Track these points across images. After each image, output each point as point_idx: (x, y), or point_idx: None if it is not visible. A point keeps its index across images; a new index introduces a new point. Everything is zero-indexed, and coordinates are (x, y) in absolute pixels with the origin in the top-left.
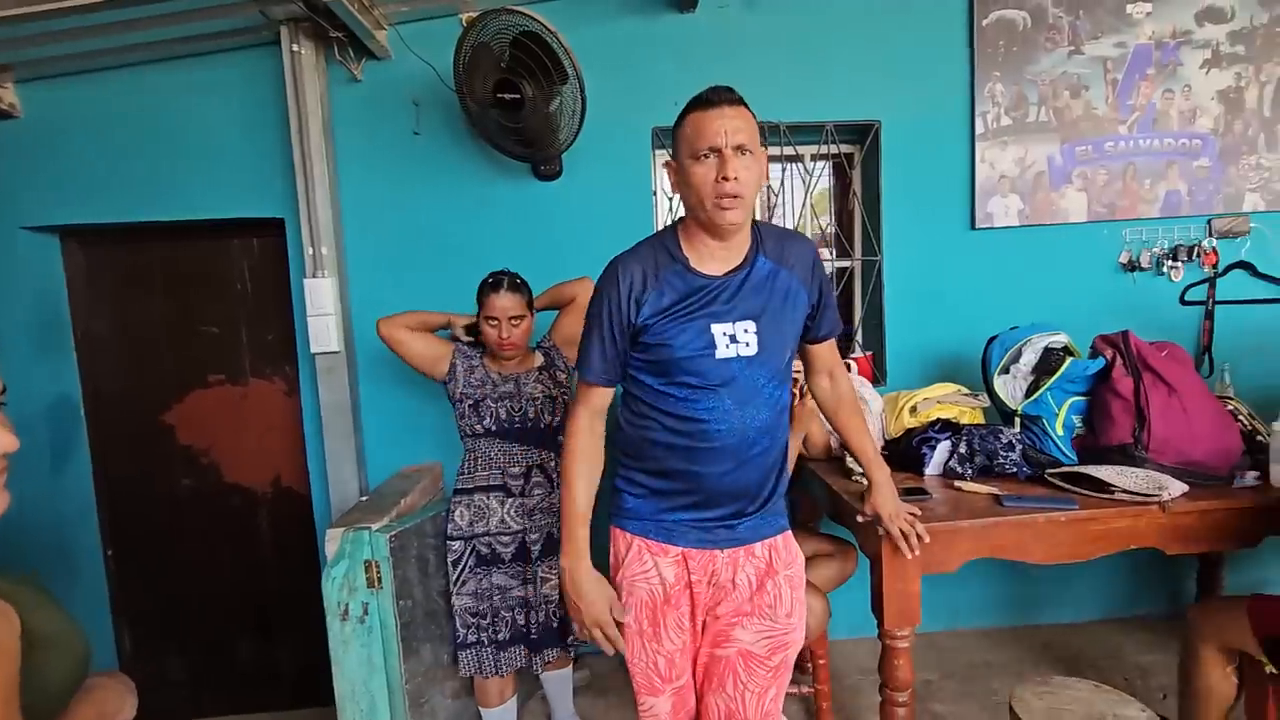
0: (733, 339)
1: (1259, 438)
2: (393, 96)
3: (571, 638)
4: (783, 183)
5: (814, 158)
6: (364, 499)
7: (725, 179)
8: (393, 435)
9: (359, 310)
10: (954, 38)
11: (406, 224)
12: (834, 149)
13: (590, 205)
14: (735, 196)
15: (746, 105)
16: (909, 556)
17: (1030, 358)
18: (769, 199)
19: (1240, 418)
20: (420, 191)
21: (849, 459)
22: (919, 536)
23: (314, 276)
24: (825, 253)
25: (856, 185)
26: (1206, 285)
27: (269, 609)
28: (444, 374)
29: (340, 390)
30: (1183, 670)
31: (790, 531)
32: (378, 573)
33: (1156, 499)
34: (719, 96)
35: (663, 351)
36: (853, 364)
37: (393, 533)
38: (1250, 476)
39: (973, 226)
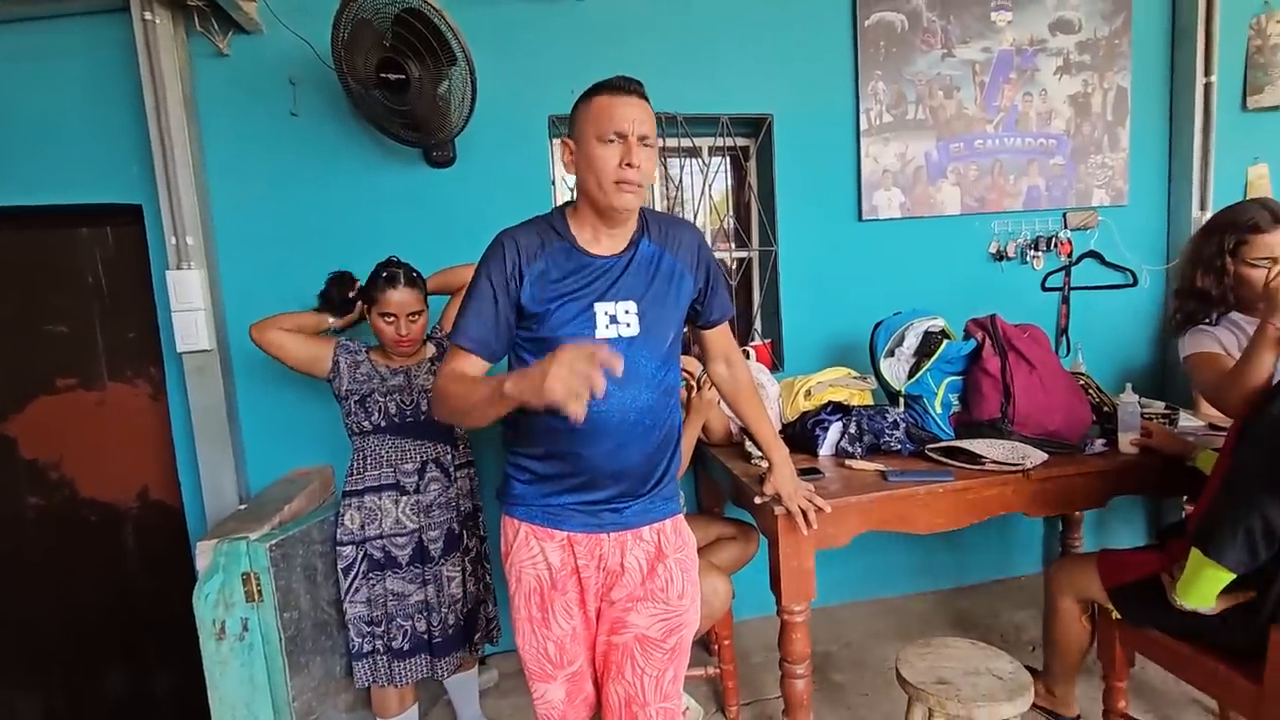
0: (614, 319)
1: (1105, 409)
2: (266, 74)
3: (479, 635)
4: (681, 176)
5: (711, 150)
6: (242, 507)
7: (630, 165)
8: (277, 437)
9: (233, 304)
10: (839, 36)
11: (286, 211)
12: (730, 142)
13: (486, 193)
14: (637, 184)
15: (649, 101)
16: (805, 532)
17: (912, 341)
18: (668, 190)
19: (1090, 391)
20: (301, 177)
21: (748, 443)
22: (818, 509)
23: (178, 268)
24: (725, 244)
25: (752, 178)
26: (1063, 273)
27: (141, 634)
28: (327, 372)
29: (213, 391)
30: (1045, 622)
31: (681, 515)
32: (257, 585)
33: (1020, 467)
34: (631, 86)
35: (543, 329)
36: (751, 351)
37: (273, 541)
38: (1099, 444)
39: (860, 218)
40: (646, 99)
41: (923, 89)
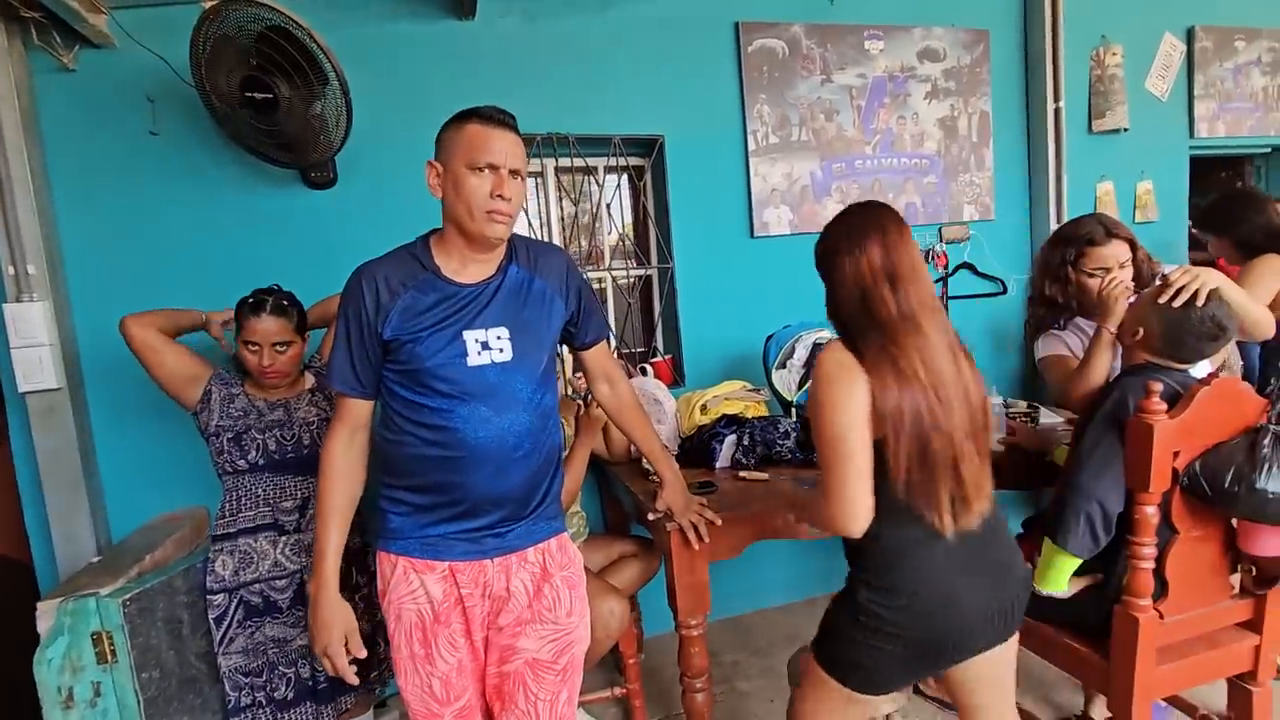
0: (485, 345)
1: None
2: (121, 91)
3: (375, 674)
4: (578, 195)
5: (607, 170)
6: (95, 560)
7: (502, 197)
8: (143, 480)
9: (87, 338)
10: (724, 61)
11: (149, 237)
12: (623, 161)
13: (369, 215)
14: (507, 215)
15: (519, 133)
16: (696, 547)
17: (802, 353)
18: (563, 209)
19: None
20: (164, 200)
21: (644, 460)
22: (709, 521)
23: (18, 301)
24: (621, 262)
25: (646, 197)
26: (941, 284)
27: None
28: (195, 402)
29: (63, 434)
30: None
31: (566, 534)
32: (110, 645)
33: None
34: (504, 118)
35: (413, 360)
36: (649, 368)
37: (128, 595)
38: None
39: (752, 235)
40: (519, 133)
41: (805, 112)
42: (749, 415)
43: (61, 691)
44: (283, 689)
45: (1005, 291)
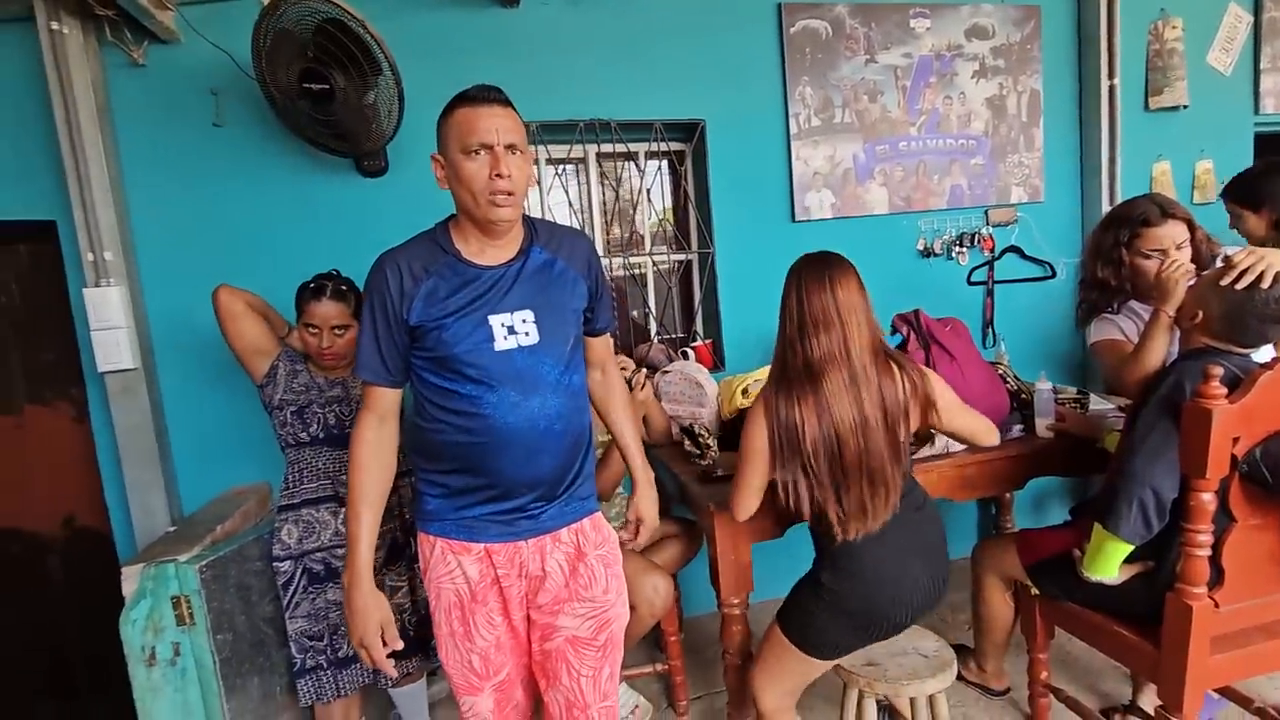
0: (511, 330)
1: (1023, 396)
2: (186, 84)
3: (432, 643)
4: (619, 181)
5: (648, 155)
6: (171, 530)
7: (500, 176)
8: (211, 456)
9: (159, 321)
10: (766, 43)
11: (213, 224)
12: (665, 146)
13: (419, 201)
14: (509, 194)
15: (514, 107)
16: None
17: None
18: (604, 195)
19: (1008, 380)
20: (227, 189)
21: (688, 443)
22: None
23: (97, 285)
24: (663, 247)
25: (687, 182)
26: (987, 268)
27: (71, 665)
28: (262, 374)
29: (139, 411)
30: (973, 601)
31: (599, 513)
32: (188, 608)
33: (946, 454)
34: (489, 95)
35: (440, 347)
36: (691, 352)
37: (204, 562)
38: (1016, 430)
39: (793, 219)
40: (510, 105)
41: (848, 93)
42: None
43: (145, 650)
44: (344, 649)
45: (1054, 275)
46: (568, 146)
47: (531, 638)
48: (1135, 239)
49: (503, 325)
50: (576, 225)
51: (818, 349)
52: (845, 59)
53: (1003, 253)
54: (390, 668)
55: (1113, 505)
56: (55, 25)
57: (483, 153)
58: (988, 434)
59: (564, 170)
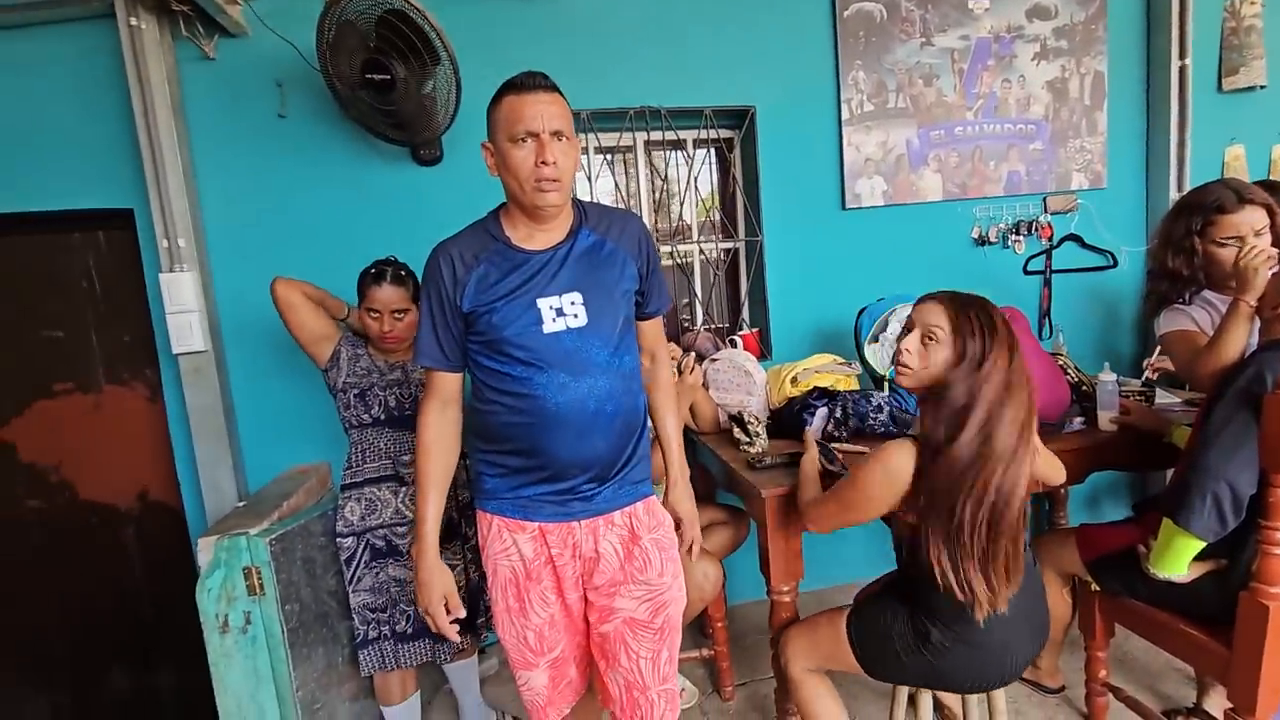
0: (559, 312)
1: (1084, 388)
2: (253, 76)
3: (481, 620)
4: (666, 170)
5: (696, 143)
6: (241, 504)
7: (545, 163)
8: (274, 436)
9: (226, 305)
10: (819, 27)
11: (276, 212)
12: (714, 134)
13: (472, 189)
14: (555, 180)
15: (561, 93)
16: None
17: (896, 326)
18: (654, 183)
19: (1069, 371)
20: (290, 178)
21: (736, 430)
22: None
23: (171, 271)
24: (712, 235)
25: (736, 169)
26: (1044, 256)
27: (145, 632)
28: (325, 359)
29: (209, 392)
30: None
31: (654, 497)
32: (259, 579)
33: None
34: (535, 81)
35: (491, 330)
36: (739, 340)
37: (274, 535)
38: (1077, 422)
39: (844, 206)
40: (557, 90)
41: (903, 77)
42: (839, 388)
43: (218, 618)
44: (403, 624)
45: (1115, 265)
46: (617, 134)
47: (589, 619)
48: (1209, 226)
49: (551, 308)
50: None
51: (1006, 419)
52: (900, 42)
53: (1061, 241)
54: (454, 633)
55: (1185, 500)
56: (134, 21)
57: (529, 140)
58: (1061, 471)
59: (611, 158)
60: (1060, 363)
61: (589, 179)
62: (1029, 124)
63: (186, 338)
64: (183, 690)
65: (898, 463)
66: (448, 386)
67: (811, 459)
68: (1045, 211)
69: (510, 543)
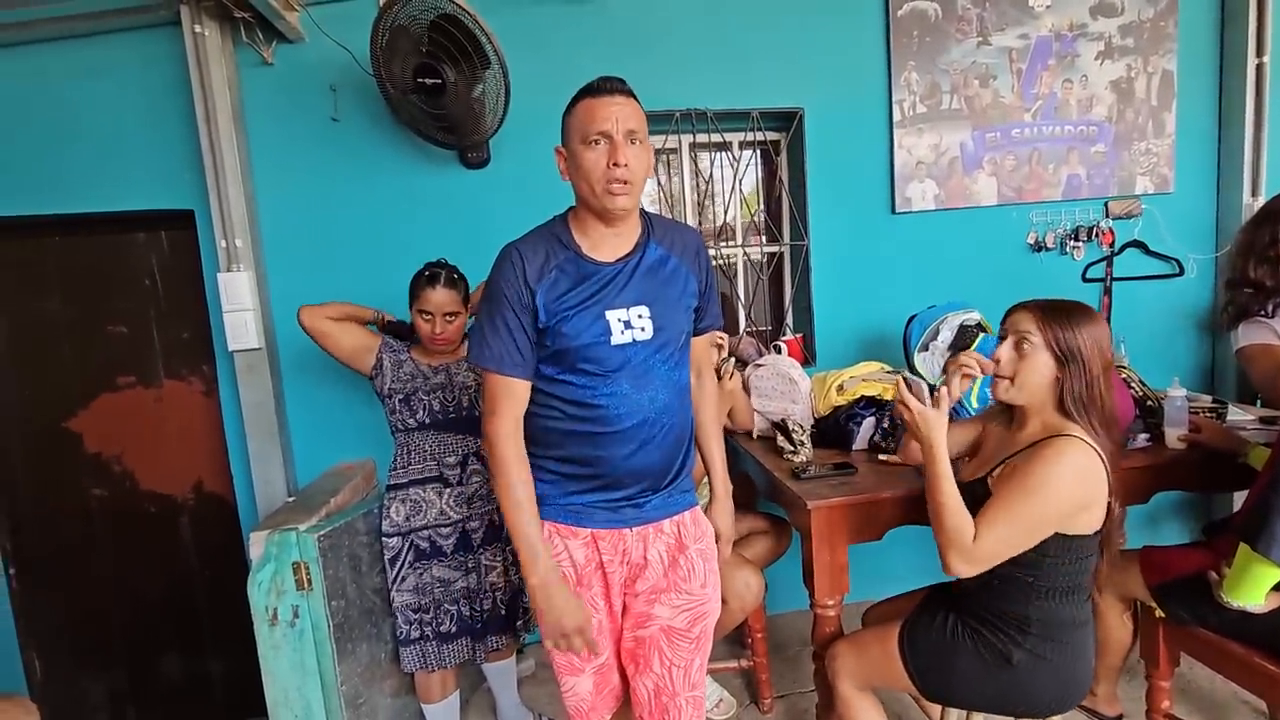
0: (627, 324)
1: (1149, 403)
2: (308, 81)
3: (521, 622)
4: (711, 171)
5: (742, 145)
6: (291, 499)
7: (616, 164)
8: (322, 433)
9: (280, 305)
10: (871, 27)
11: (328, 214)
12: (761, 136)
13: (519, 193)
14: (626, 183)
15: (636, 97)
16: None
17: (947, 335)
18: (698, 184)
19: (1133, 385)
20: (341, 180)
21: (780, 439)
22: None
23: (228, 271)
24: (756, 238)
25: (783, 172)
26: (1105, 264)
27: (197, 619)
28: (370, 368)
29: (262, 389)
30: None
31: (699, 507)
32: (307, 574)
33: None
34: (610, 85)
35: (560, 340)
36: (783, 346)
37: (322, 532)
38: (1142, 439)
39: (893, 210)
40: (633, 95)
41: (957, 78)
42: (887, 398)
43: (268, 610)
44: (446, 624)
45: (1181, 273)
46: (663, 137)
47: (624, 624)
48: None
49: (619, 320)
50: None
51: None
52: (956, 42)
53: (1123, 247)
54: (600, 647)
55: (1265, 525)
56: (198, 28)
57: (601, 142)
58: None
59: (654, 161)
60: (1124, 376)
61: None
62: (1091, 125)
63: (242, 335)
64: (231, 676)
65: (1088, 460)
66: (523, 395)
67: (946, 472)
68: (1107, 216)
69: (561, 548)
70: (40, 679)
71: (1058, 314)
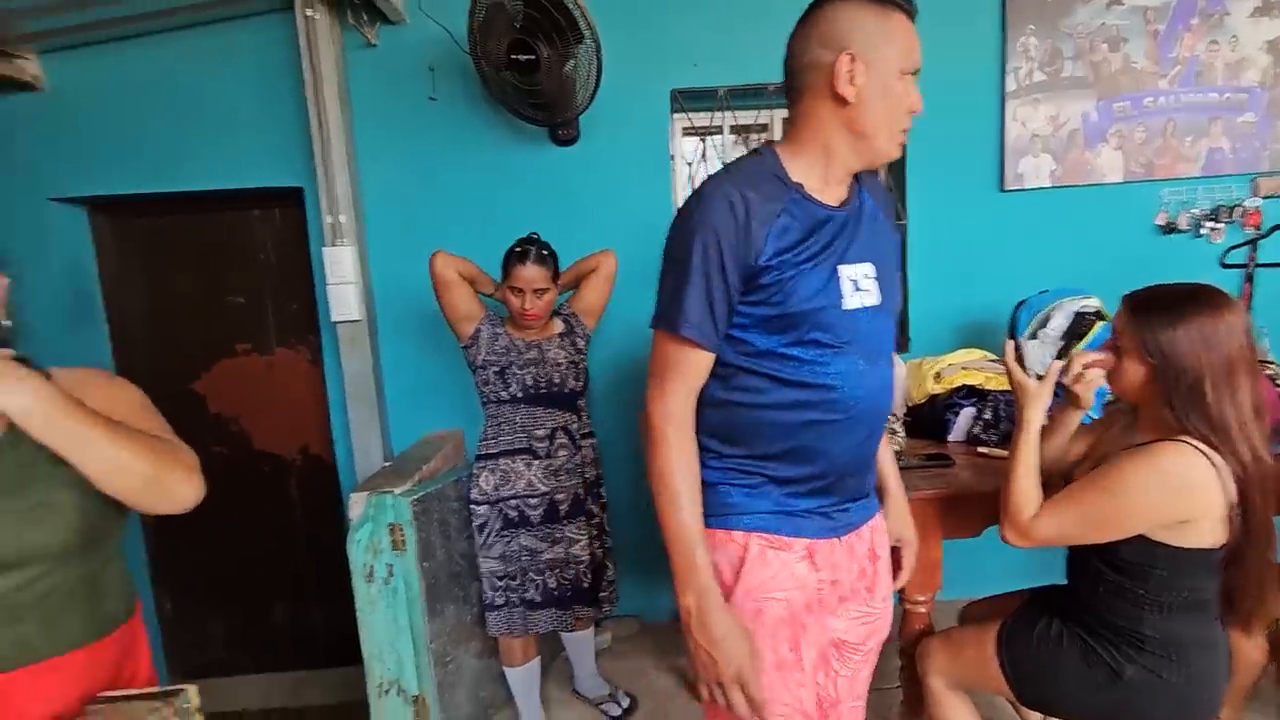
0: (857, 285)
1: None
2: (408, 61)
3: (602, 595)
4: None
5: None
6: (387, 464)
7: (914, 111)
8: (415, 402)
9: (379, 279)
10: None
11: (425, 190)
12: None
13: (607, 170)
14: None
15: None
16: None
17: (1060, 322)
18: None
19: (1277, 381)
20: (438, 158)
21: None
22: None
23: (333, 245)
24: None
25: None
26: (1248, 248)
27: (301, 572)
28: (468, 336)
29: (362, 359)
30: None
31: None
32: (401, 536)
33: None
34: (915, 8)
35: (787, 301)
36: None
37: (415, 497)
38: None
39: (1002, 188)
40: None
41: (1082, 43)
42: (989, 387)
43: (365, 567)
44: (532, 592)
45: None
46: (754, 113)
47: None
48: None
49: (849, 279)
50: None
51: (1241, 389)
52: (1082, 2)
53: (1273, 229)
54: (762, 707)
55: None
56: (309, 12)
57: (912, 79)
58: None
59: (744, 138)
60: (1269, 372)
61: (720, 160)
62: (1240, 92)
63: (344, 307)
64: (331, 625)
65: (1187, 470)
66: (705, 368)
67: (1030, 442)
68: (1254, 195)
69: (778, 567)
70: (170, 617)
71: (1152, 309)
